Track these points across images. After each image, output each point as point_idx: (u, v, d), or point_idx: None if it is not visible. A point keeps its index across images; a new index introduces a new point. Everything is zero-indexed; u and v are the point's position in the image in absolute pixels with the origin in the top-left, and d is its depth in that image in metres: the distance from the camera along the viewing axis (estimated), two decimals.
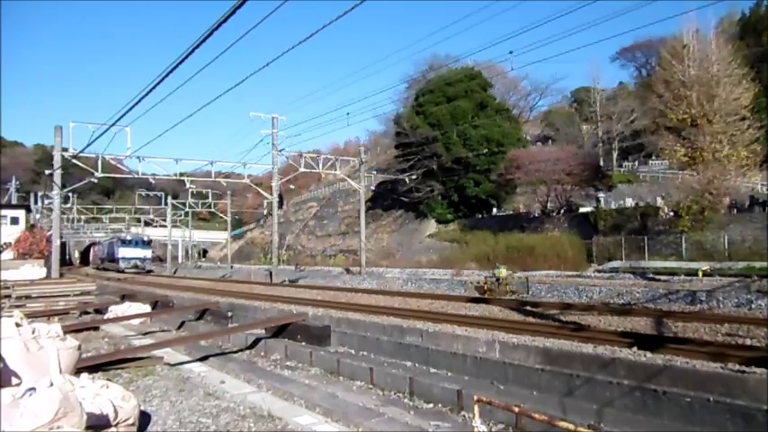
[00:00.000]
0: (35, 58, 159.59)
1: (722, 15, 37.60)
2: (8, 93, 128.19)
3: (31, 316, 11.46)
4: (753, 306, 13.75)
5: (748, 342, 7.67)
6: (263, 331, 12.18)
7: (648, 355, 6.71)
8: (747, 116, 28.89)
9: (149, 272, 52.50)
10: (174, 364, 9.13)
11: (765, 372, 5.63)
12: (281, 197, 34.93)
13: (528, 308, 12.04)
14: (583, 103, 54.91)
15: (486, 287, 20.28)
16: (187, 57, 8.50)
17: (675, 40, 32.12)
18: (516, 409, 4.67)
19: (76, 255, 78.40)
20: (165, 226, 64.28)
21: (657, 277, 20.63)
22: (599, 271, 25.59)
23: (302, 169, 35.80)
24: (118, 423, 4.86)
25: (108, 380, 6.04)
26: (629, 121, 46.78)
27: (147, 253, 56.22)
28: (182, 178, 35.51)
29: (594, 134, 50.79)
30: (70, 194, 52.77)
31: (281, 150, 34.38)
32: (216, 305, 15.94)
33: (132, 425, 5.05)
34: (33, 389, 4.21)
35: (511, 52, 18.67)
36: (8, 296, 17.56)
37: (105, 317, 16.12)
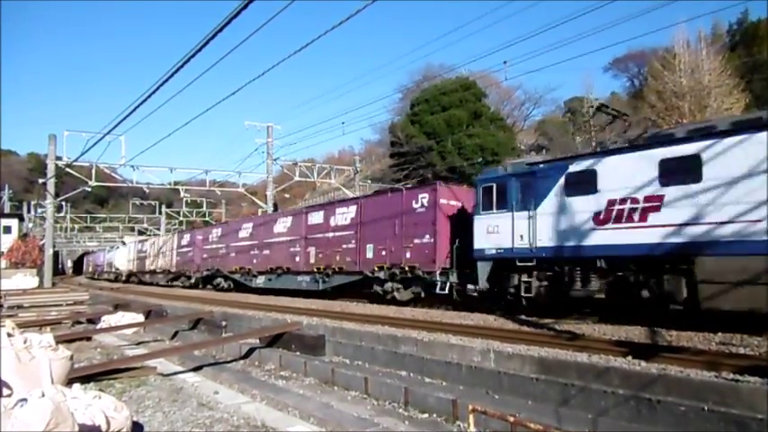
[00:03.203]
0: (28, 65, 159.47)
1: (712, 26, 38.06)
2: (1, 100, 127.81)
3: (23, 326, 11.38)
4: None
5: (741, 351, 7.69)
6: (258, 341, 12.13)
7: (643, 363, 6.73)
8: None
9: None
10: (168, 375, 9.07)
11: (759, 380, 5.65)
12: (275, 206, 34.89)
13: (522, 317, 12.04)
14: (576, 113, 55.29)
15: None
16: (182, 66, 8.53)
17: (667, 50, 32.50)
18: (511, 419, 4.67)
19: (69, 264, 77.80)
20: (159, 235, 63.05)
21: None
22: None
23: (297, 178, 35.83)
24: None
25: (100, 390, 6.00)
26: (622, 131, 47.11)
27: None
28: (176, 187, 35.40)
29: (588, 144, 51.10)
30: (63, 203, 52.46)
31: (275, 159, 34.45)
32: (210, 314, 15.86)
33: None
34: (25, 399, 4.18)
35: (505, 62, 18.77)
36: (0, 305, 17.43)
37: (98, 326, 16.01)
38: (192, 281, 30.67)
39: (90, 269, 66.02)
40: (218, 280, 28.02)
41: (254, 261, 24.05)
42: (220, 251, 27.73)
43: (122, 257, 47.43)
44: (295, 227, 21.78)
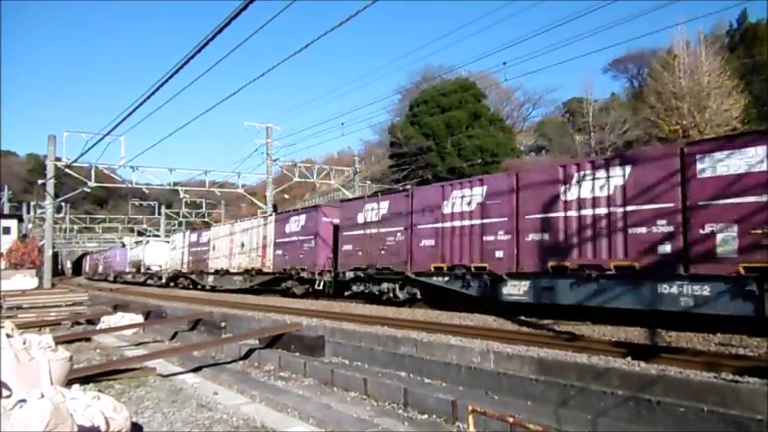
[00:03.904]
0: (28, 65, 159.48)
1: (711, 27, 38.10)
2: (1, 101, 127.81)
3: (23, 327, 11.37)
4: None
5: (741, 352, 7.70)
6: (257, 342, 12.13)
7: (642, 364, 6.72)
8: (738, 127, 29.26)
9: None
10: (167, 375, 9.07)
11: (758, 381, 5.65)
12: (275, 207, 34.90)
13: (522, 317, 12.04)
14: (575, 114, 55.34)
15: None
16: (182, 66, 8.54)
17: (667, 52, 32.59)
18: (511, 420, 4.67)
19: (69, 265, 77.78)
20: (158, 236, 62.55)
21: None
22: None
23: (296, 179, 35.87)
24: None
25: (100, 391, 6.00)
26: (622, 132, 47.15)
27: None
28: (175, 188, 35.40)
29: (587, 144, 51.15)
30: (63, 204, 52.46)
31: (275, 160, 34.47)
32: (209, 315, 15.85)
33: None
34: (24, 400, 4.18)
35: (504, 63, 18.93)
36: None
37: (97, 327, 16.01)
38: (318, 286, 19.77)
39: (100, 269, 58.06)
40: (386, 286, 16.61)
41: (500, 254, 12.92)
42: (390, 239, 16.36)
43: (160, 254, 38.46)
44: (656, 184, 10.35)
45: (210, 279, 29.27)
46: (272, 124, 33.99)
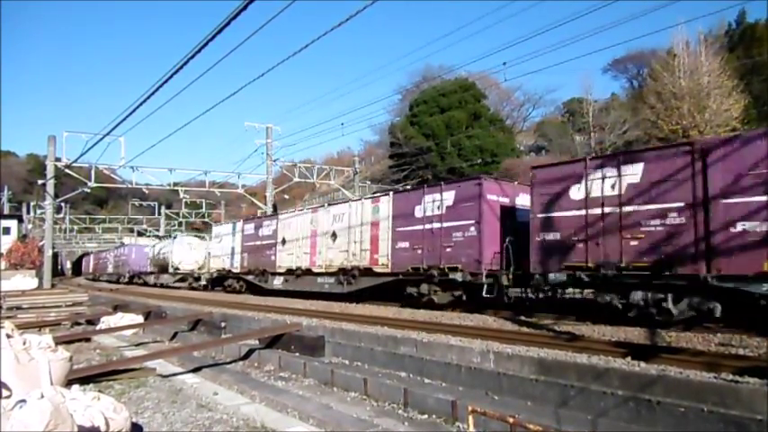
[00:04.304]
0: (28, 65, 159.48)
1: (710, 27, 38.14)
2: (1, 101, 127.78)
3: (23, 327, 11.37)
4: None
5: (741, 352, 7.70)
6: (257, 342, 12.13)
7: (642, 364, 6.73)
8: (738, 127, 29.27)
9: None
10: (167, 376, 9.08)
11: (758, 381, 5.66)
12: (275, 207, 34.90)
13: (522, 317, 12.03)
14: (575, 114, 55.36)
15: None
16: (182, 66, 8.54)
17: (667, 52, 32.61)
18: (511, 420, 4.67)
19: (68, 265, 77.75)
20: (158, 236, 62.42)
21: None
22: None
23: (296, 179, 35.85)
24: None
25: (99, 391, 6.00)
26: (622, 132, 47.17)
27: None
28: (175, 188, 35.34)
29: (587, 145, 51.16)
30: (63, 204, 52.42)
31: (275, 160, 34.48)
32: (209, 315, 15.85)
33: None
34: (24, 401, 4.18)
35: (504, 63, 18.92)
36: None
37: (97, 328, 16.01)
38: (491, 294, 13.68)
39: (109, 270, 51.44)
40: (642, 295, 10.54)
41: None
42: (653, 223, 10.49)
43: (192, 251, 33.42)
44: None
45: (278, 281, 22.57)
46: (272, 124, 34.03)
